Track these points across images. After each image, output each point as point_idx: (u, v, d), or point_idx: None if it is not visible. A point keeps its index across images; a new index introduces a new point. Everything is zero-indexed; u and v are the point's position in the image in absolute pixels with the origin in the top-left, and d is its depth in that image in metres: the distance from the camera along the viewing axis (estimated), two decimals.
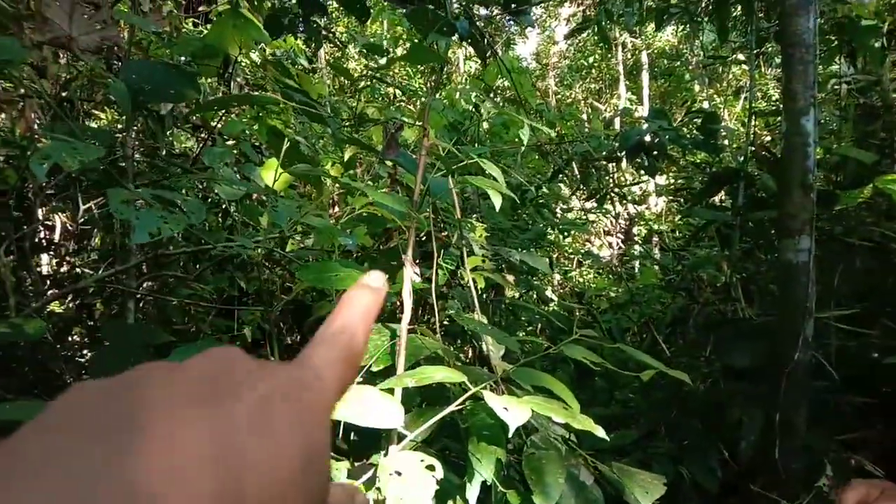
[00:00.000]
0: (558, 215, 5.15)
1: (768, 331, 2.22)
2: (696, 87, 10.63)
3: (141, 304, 3.14)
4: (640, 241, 8.55)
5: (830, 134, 4.16)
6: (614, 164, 4.63)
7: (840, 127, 3.75)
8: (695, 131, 2.87)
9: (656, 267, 5.67)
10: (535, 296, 4.35)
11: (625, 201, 3.92)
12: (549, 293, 5.81)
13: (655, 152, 2.83)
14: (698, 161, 4.28)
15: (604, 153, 2.95)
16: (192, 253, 2.72)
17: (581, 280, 8.84)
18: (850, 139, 3.52)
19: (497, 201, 1.04)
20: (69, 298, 3.17)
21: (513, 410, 0.70)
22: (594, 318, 3.98)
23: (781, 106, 2.18)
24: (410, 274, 1.16)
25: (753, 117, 2.72)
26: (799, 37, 2.05)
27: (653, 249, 7.63)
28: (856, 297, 3.02)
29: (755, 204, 2.32)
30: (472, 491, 1.14)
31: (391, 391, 0.93)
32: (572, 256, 8.88)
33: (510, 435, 0.68)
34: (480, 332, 1.10)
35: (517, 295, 4.33)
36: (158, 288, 3.19)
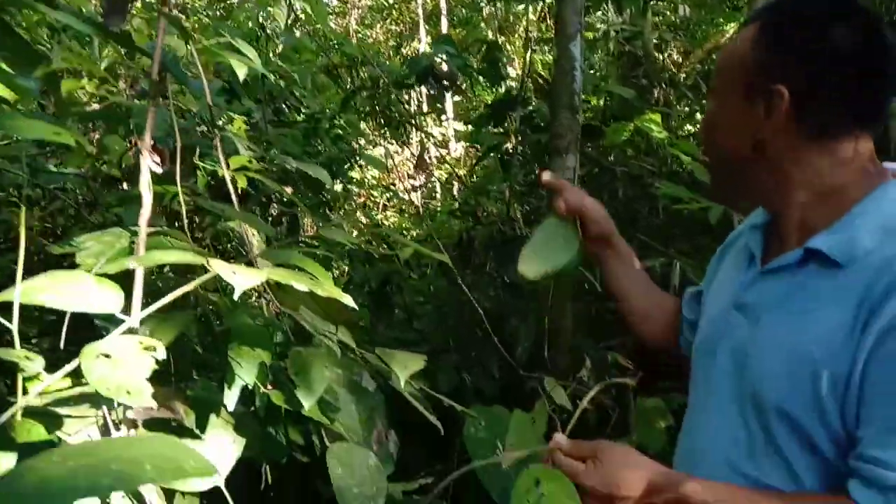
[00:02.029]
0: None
1: None
2: (490, 35, 11.05)
3: None
4: (441, 182, 8.83)
5: (602, 79, 4.58)
6: (407, 91, 4.63)
7: (608, 70, 4.12)
8: (481, 63, 2.95)
9: (456, 204, 5.88)
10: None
11: (422, 132, 3.96)
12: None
13: (445, 81, 2.87)
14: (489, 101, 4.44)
15: (395, 80, 2.93)
16: None
17: (386, 223, 8.94)
18: (617, 81, 3.88)
19: (241, 72, 0.94)
20: None
21: (241, 275, 0.63)
22: (392, 250, 4.03)
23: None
24: (149, 163, 1.02)
25: (531, 46, 2.87)
26: None
27: (453, 190, 7.93)
28: (618, 223, 3.40)
29: (531, 129, 2.46)
30: (231, 396, 1.06)
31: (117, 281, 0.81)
32: (378, 202, 8.93)
33: (237, 296, 0.61)
34: (232, 217, 1.00)
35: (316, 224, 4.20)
36: None
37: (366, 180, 9.34)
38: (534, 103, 2.52)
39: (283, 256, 0.80)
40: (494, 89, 3.20)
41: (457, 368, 2.24)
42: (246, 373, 1.06)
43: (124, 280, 0.98)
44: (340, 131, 3.82)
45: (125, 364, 0.64)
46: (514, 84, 3.98)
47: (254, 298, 1.24)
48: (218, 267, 0.63)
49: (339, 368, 1.38)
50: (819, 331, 0.80)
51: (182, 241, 1.09)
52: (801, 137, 0.85)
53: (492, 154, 2.65)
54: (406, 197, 8.96)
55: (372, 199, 8.97)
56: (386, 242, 4.75)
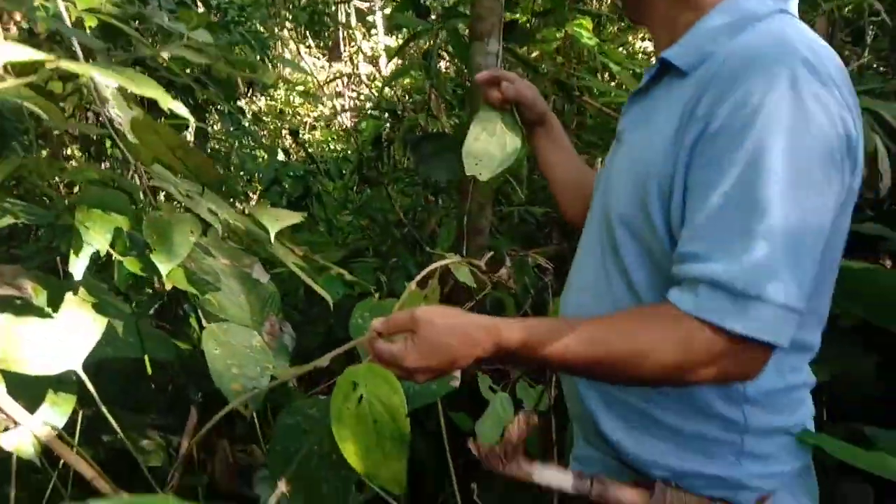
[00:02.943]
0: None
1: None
2: None
3: None
4: (370, 100, 8.48)
5: None
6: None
7: None
8: None
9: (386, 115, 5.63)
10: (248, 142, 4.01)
11: (340, 26, 3.66)
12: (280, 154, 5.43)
13: None
14: None
15: None
16: None
17: (313, 142, 8.59)
18: None
19: None
20: None
21: (6, 47, 0.47)
22: (313, 161, 3.83)
23: None
24: None
25: None
26: None
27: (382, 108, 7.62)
28: None
29: (453, 13, 2.29)
30: (77, 265, 0.92)
31: None
32: (305, 121, 8.54)
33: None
34: (68, 35, 0.82)
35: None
36: None
37: (291, 97, 8.89)
38: None
39: (114, 69, 0.64)
40: None
41: (374, 270, 2.13)
42: (96, 238, 0.91)
43: None
44: (249, 24, 3.49)
45: None
46: None
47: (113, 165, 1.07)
48: None
49: (225, 257, 1.25)
50: (651, 137, 0.80)
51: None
52: None
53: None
54: (331, 113, 8.60)
55: (300, 120, 8.60)
56: (307, 153, 4.52)
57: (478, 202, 2.12)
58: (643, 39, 5.31)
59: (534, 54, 3.70)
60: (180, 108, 0.56)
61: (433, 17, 2.60)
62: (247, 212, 0.90)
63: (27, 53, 0.47)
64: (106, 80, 0.52)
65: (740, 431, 0.82)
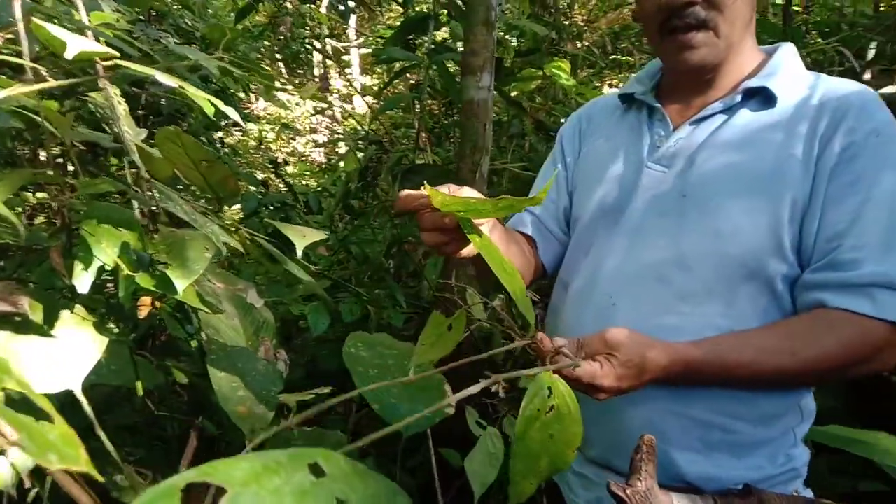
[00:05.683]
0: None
1: (454, 175, 2.29)
2: None
3: None
4: (344, 137, 8.53)
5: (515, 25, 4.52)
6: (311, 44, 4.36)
7: (521, 10, 4.05)
8: None
9: (360, 154, 5.67)
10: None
11: (324, 55, 3.69)
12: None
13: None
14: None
15: None
16: None
17: (287, 175, 8.57)
18: (528, 17, 3.83)
19: None
20: None
21: (76, 38, 0.46)
22: (292, 191, 3.80)
23: None
24: None
25: None
26: None
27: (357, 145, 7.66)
28: (522, 160, 3.37)
29: (443, 49, 2.34)
30: (83, 279, 0.88)
31: None
32: (278, 156, 8.53)
33: (70, 55, 0.45)
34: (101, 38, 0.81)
35: None
36: None
37: (264, 132, 8.91)
38: (448, 25, 2.39)
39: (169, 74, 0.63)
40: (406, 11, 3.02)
41: (361, 302, 2.11)
42: (104, 252, 0.88)
43: None
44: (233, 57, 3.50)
45: None
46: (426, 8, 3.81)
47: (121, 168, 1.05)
48: (50, 27, 0.46)
49: (220, 281, 1.23)
50: (774, 161, 0.87)
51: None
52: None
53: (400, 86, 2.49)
54: (307, 151, 8.62)
55: (270, 151, 8.62)
56: (288, 185, 4.49)
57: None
58: (610, 86, 5.50)
59: (513, 94, 3.81)
60: (232, 113, 0.55)
61: (421, 53, 2.65)
62: (258, 232, 0.89)
63: (97, 47, 0.46)
64: (166, 81, 0.51)
65: (797, 423, 0.91)
